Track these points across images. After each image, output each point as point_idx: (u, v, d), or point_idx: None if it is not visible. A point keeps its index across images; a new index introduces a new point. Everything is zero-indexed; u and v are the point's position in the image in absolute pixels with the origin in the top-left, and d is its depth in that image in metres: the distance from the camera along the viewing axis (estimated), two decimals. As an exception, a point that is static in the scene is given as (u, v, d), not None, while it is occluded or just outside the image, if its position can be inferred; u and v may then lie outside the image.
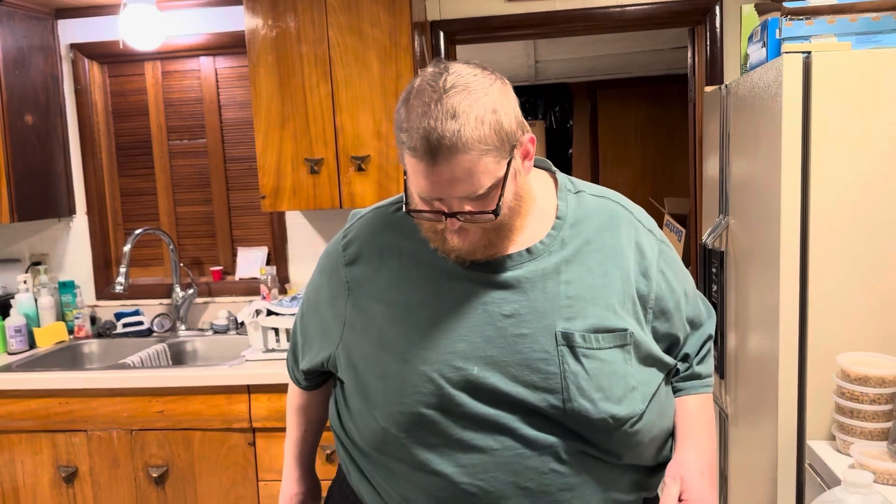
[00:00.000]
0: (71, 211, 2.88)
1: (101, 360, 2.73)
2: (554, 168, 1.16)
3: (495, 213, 0.96)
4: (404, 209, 1.01)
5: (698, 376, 1.17)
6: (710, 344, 1.20)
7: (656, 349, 1.08)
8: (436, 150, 0.91)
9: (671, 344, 1.12)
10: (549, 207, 1.09)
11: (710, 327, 1.20)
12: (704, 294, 2.20)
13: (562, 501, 1.03)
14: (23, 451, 2.39)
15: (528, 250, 1.05)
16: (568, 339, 1.00)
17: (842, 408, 1.47)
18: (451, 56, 2.75)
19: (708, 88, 2.38)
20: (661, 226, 4.06)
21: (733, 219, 2.03)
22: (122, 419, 2.35)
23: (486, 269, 1.04)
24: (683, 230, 3.57)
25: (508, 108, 0.96)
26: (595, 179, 5.56)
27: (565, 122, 5.75)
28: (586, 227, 1.08)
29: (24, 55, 2.64)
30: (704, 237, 2.17)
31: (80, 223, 2.92)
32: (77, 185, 2.89)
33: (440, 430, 1.02)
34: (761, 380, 1.76)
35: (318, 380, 1.26)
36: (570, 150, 5.73)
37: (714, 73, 2.56)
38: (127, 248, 2.62)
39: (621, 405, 1.01)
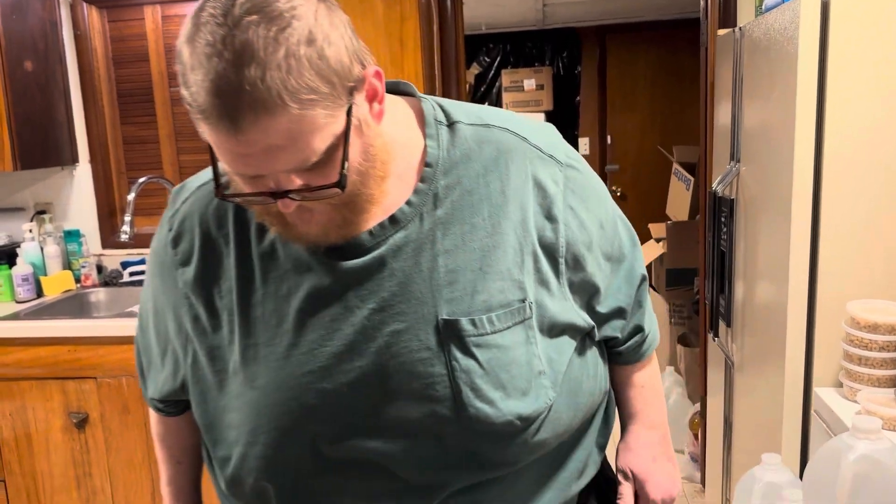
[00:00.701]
0: (74, 159, 2.86)
1: (108, 309, 2.75)
2: (414, 90, 0.88)
3: (340, 184, 0.69)
4: (215, 193, 0.74)
5: (638, 331, 0.98)
6: (646, 288, 0.98)
7: (569, 311, 0.86)
8: (235, 112, 0.64)
9: (591, 295, 0.89)
10: (413, 152, 0.82)
11: (637, 264, 0.97)
12: (713, 244, 2.18)
13: None
14: (34, 398, 2.41)
15: (391, 219, 0.79)
16: (454, 329, 0.77)
17: (850, 355, 1.46)
18: (456, 2, 2.68)
19: (721, 32, 2.32)
20: (669, 174, 4.02)
21: (744, 166, 2.00)
22: (131, 367, 2.36)
23: (342, 254, 0.79)
24: (692, 179, 3.53)
25: (335, 35, 0.67)
26: (602, 127, 5.49)
27: (573, 68, 5.65)
28: (466, 172, 0.82)
29: (22, 0, 2.58)
30: (714, 185, 2.14)
31: (83, 172, 2.90)
32: (79, 132, 2.87)
33: (307, 482, 0.81)
34: (769, 328, 1.75)
35: (182, 404, 0.96)
36: (578, 98, 5.64)
37: (727, 16, 2.50)
38: (131, 196, 2.61)
39: (528, 399, 0.80)
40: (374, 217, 0.79)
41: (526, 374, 0.80)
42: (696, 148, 3.47)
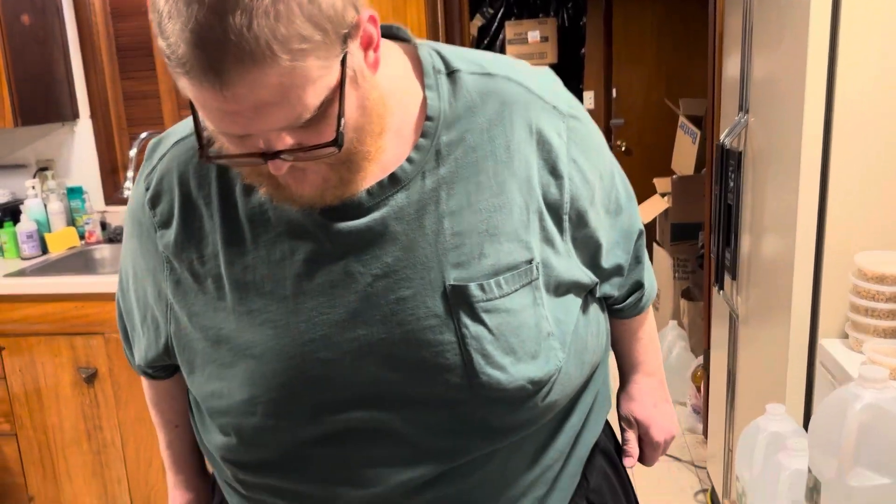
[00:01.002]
0: (74, 115, 2.83)
1: (113, 266, 2.75)
2: (408, 34, 0.81)
3: (337, 143, 0.64)
4: (199, 155, 0.67)
5: (638, 287, 0.96)
6: (643, 243, 0.96)
7: (574, 269, 0.83)
8: (219, 65, 0.58)
9: (593, 251, 0.86)
10: (411, 105, 0.77)
11: (634, 218, 0.94)
12: (720, 197, 2.17)
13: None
14: (42, 354, 2.43)
15: (391, 178, 0.74)
16: (462, 295, 0.74)
17: (857, 306, 1.46)
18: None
19: (730, -21, 2.27)
20: (675, 128, 3.98)
21: (753, 117, 1.97)
22: (138, 322, 2.39)
23: (339, 215, 0.74)
24: (698, 132, 3.50)
25: None
26: (608, 80, 5.41)
27: (578, 19, 5.55)
28: (469, 127, 0.76)
29: (16, -50, 2.53)
30: (722, 137, 2.12)
31: (84, 128, 2.87)
32: (79, 88, 2.83)
33: (303, 454, 0.77)
34: (775, 280, 1.75)
35: (171, 368, 0.91)
36: (583, 50, 5.56)
37: (737, -36, 2.44)
38: (133, 152, 2.59)
39: (538, 362, 0.77)
40: (372, 175, 0.73)
41: (535, 337, 0.77)
42: (703, 101, 3.43)
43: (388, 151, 0.73)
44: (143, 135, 2.65)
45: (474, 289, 0.74)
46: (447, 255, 0.74)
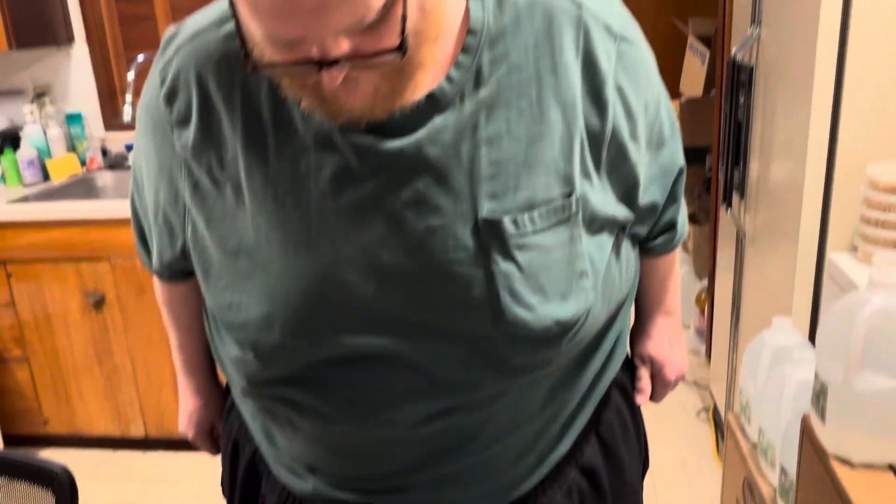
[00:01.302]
0: (69, 38, 2.77)
1: (116, 192, 2.74)
2: None
3: (402, 49, 0.58)
4: (244, 65, 0.61)
5: (671, 227, 0.92)
6: (682, 181, 0.90)
7: (610, 204, 0.78)
8: None
9: (630, 186, 0.80)
10: (452, 14, 0.68)
11: (677, 153, 0.88)
12: (729, 114, 2.13)
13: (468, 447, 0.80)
14: (49, 280, 2.44)
15: (428, 98, 0.68)
16: (494, 230, 0.70)
17: (867, 218, 1.45)
18: None
19: None
20: (683, 50, 3.89)
21: (766, 29, 1.92)
22: (143, 248, 2.39)
23: (371, 135, 0.68)
24: (707, 52, 3.42)
25: None
26: (614, 3, 5.26)
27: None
28: (514, 45, 0.70)
29: None
30: (734, 51, 2.07)
31: (80, 52, 2.81)
32: (73, 10, 2.76)
33: (318, 373, 0.76)
34: (784, 195, 1.73)
35: (187, 271, 0.86)
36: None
37: None
38: (130, 76, 2.54)
39: (568, 303, 0.74)
40: (422, 86, 0.67)
41: (567, 276, 0.73)
42: (713, 20, 3.33)
43: (429, 66, 0.66)
44: (141, 58, 2.59)
45: (507, 223, 0.70)
46: (481, 186, 0.70)
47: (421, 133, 0.68)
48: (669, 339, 1.04)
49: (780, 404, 1.39)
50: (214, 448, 1.10)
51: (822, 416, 1.08)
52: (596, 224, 0.77)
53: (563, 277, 0.73)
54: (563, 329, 0.74)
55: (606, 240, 0.79)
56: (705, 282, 3.10)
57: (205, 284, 0.80)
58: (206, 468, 2.50)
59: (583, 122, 0.73)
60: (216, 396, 1.07)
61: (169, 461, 2.58)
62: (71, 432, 2.64)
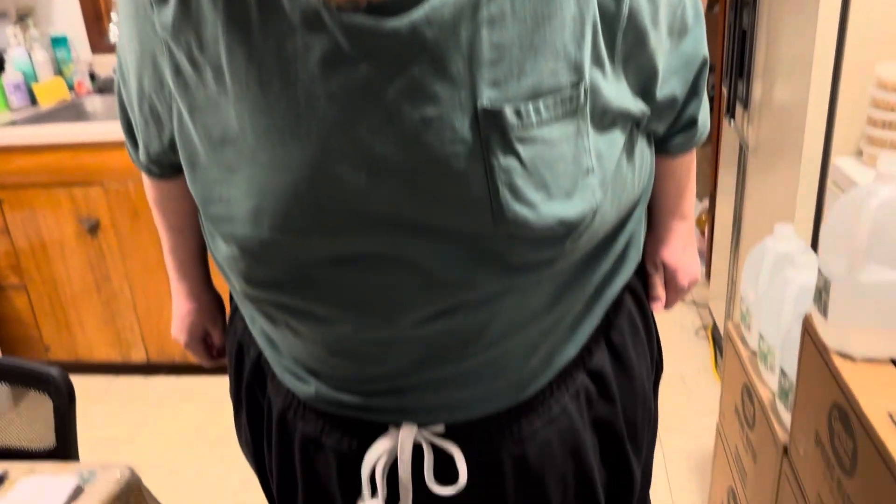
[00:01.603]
0: (50, -43, 2.68)
1: (106, 116, 2.68)
2: None
3: None
4: None
5: (691, 124, 0.86)
6: (705, 73, 0.84)
7: (624, 96, 0.73)
8: None
9: (647, 78, 0.75)
10: None
11: (701, 43, 0.82)
12: (734, 23, 2.06)
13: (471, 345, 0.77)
14: (42, 206, 2.41)
15: None
16: (495, 121, 0.65)
17: (874, 120, 1.41)
18: None
19: None
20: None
21: (773, -70, 1.85)
22: (136, 171, 2.35)
23: (363, 14, 0.63)
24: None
25: None
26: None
27: None
28: None
29: None
30: (738, -44, 1.99)
31: (62, -29, 2.72)
32: (52, -74, 2.67)
33: (312, 275, 0.73)
34: (790, 102, 1.69)
35: (176, 167, 0.81)
36: None
37: None
38: (115, -6, 2.46)
39: (572, 202, 0.69)
40: None
41: (572, 173, 0.68)
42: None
43: None
44: (125, -25, 2.51)
45: (509, 114, 0.65)
46: (482, 71, 0.64)
47: (416, 13, 0.62)
48: (683, 245, 1.00)
49: (781, 308, 1.38)
50: (207, 356, 1.08)
51: (824, 312, 1.07)
52: (607, 118, 0.71)
53: (568, 174, 0.68)
54: (568, 229, 0.70)
55: (618, 136, 0.74)
56: (706, 203, 3.07)
57: (191, 179, 0.76)
58: (209, 392, 2.53)
59: (596, 3, 0.66)
60: (210, 302, 1.05)
61: (171, 385, 2.61)
62: (72, 359, 2.66)
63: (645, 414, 0.90)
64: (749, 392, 1.49)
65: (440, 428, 0.80)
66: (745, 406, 1.52)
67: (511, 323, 0.77)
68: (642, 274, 0.96)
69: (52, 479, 0.93)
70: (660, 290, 0.98)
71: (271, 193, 0.68)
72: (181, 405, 2.49)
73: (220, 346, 1.09)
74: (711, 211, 2.82)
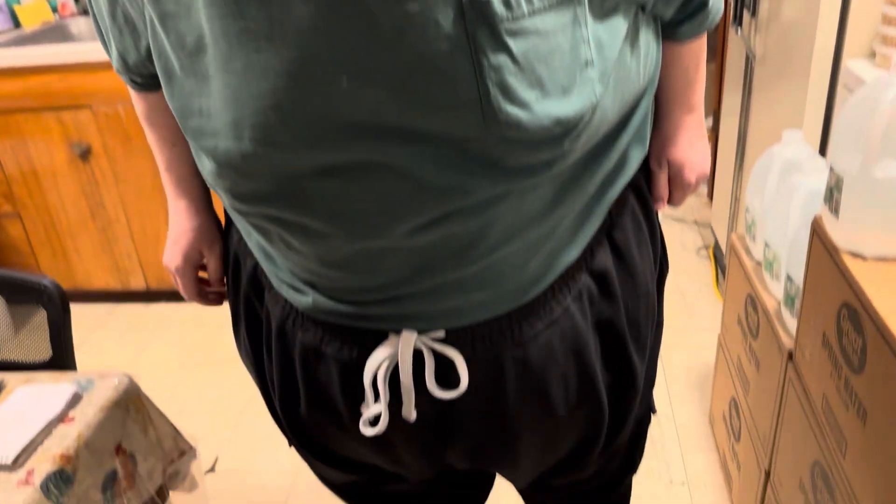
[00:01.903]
0: None
1: (91, 37, 2.60)
2: None
3: None
4: None
5: (702, 6, 0.79)
6: None
7: None
8: None
9: None
10: None
11: None
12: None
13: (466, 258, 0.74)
14: (32, 131, 2.36)
15: None
16: (482, 12, 0.59)
17: (889, 18, 1.35)
18: None
19: None
20: None
21: None
22: (126, 94, 2.28)
23: None
24: None
25: None
26: None
27: None
28: None
29: None
30: None
31: None
32: None
33: (299, 186, 0.69)
34: (800, 7, 1.63)
35: (156, 74, 0.76)
36: None
37: None
38: None
39: (570, 98, 0.64)
40: None
41: (569, 67, 0.63)
42: None
43: None
44: None
45: (497, 4, 0.59)
46: None
47: None
48: (690, 139, 0.93)
49: (788, 215, 1.35)
50: (195, 290, 1.01)
51: (835, 211, 1.04)
52: (608, 3, 0.66)
53: (564, 68, 0.63)
54: (565, 129, 0.65)
55: (621, 22, 0.68)
56: (710, 121, 3.02)
57: (168, 92, 0.72)
58: (209, 318, 2.52)
59: None
60: (210, 223, 0.99)
61: (171, 312, 2.60)
62: (71, 287, 2.64)
63: (648, 313, 0.87)
64: (753, 302, 1.48)
65: (440, 334, 0.78)
66: (748, 316, 1.51)
67: (508, 229, 0.74)
68: (646, 169, 0.92)
69: (50, 387, 0.92)
70: (663, 189, 0.93)
71: (249, 104, 0.64)
72: (182, 331, 2.49)
73: (215, 280, 1.02)
74: (715, 130, 2.76)
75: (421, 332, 0.78)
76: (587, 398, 0.84)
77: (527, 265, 0.78)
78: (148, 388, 1.00)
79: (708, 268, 2.57)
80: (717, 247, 2.55)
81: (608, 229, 0.83)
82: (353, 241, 0.72)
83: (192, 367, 2.29)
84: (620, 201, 0.84)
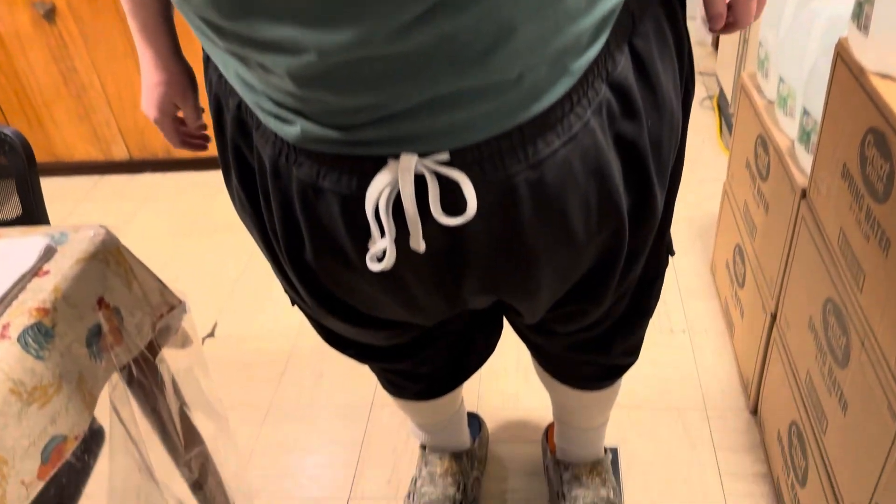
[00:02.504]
0: None
1: None
2: None
3: None
4: None
5: None
6: None
7: None
8: None
9: None
10: None
11: None
12: None
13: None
14: (-11, -10, 2.20)
15: None
16: None
17: None
18: None
19: None
20: None
21: None
22: (86, -56, 2.11)
23: None
24: None
25: None
26: None
27: None
28: None
29: None
30: None
31: None
32: None
33: None
34: None
35: None
36: None
37: None
38: None
39: None
40: None
41: None
42: None
43: None
44: None
45: None
46: None
47: None
48: None
49: (806, 45, 1.26)
50: (177, 137, 0.98)
51: (864, 28, 0.95)
52: None
53: None
54: None
55: None
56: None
57: None
58: (197, 186, 2.45)
59: None
60: (181, 73, 0.94)
61: (158, 181, 2.52)
62: (52, 160, 2.55)
63: (672, 135, 0.79)
64: (764, 143, 1.40)
65: (444, 156, 0.70)
66: (758, 158, 1.44)
67: (509, 22, 0.63)
68: None
69: (20, 241, 0.86)
70: (720, 2, 0.76)
71: None
72: (170, 200, 2.42)
73: (195, 127, 0.99)
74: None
75: (422, 154, 0.70)
76: (609, 226, 0.78)
77: (535, 68, 0.68)
78: (139, 256, 0.95)
79: (712, 119, 2.47)
80: (721, 96, 2.44)
81: (629, 35, 0.74)
82: (328, 55, 0.63)
83: (184, 234, 2.23)
84: (643, 4, 0.74)
